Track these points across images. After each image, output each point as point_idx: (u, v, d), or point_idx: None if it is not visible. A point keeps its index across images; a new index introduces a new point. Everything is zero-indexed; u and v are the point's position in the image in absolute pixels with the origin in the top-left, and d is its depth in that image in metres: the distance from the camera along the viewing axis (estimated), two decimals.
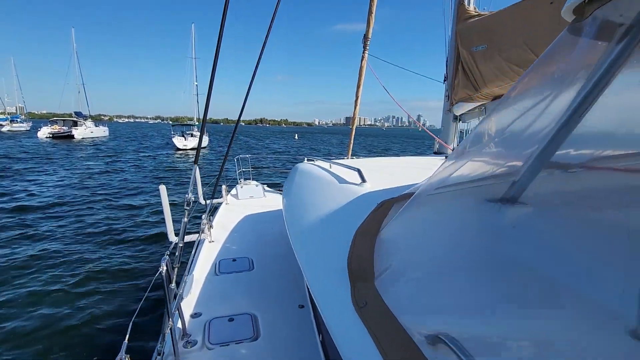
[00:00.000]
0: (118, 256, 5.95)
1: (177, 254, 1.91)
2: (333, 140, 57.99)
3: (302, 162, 3.25)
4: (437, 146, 4.23)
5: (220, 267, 2.81)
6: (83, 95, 45.34)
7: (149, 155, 24.33)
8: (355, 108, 7.54)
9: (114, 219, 8.05)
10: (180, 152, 28.45)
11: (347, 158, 8.23)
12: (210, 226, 3.35)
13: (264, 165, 16.26)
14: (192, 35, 39.23)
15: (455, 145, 4.02)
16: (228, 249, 3.23)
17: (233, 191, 5.60)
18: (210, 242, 3.36)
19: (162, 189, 3.00)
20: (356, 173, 1.92)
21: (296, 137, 63.31)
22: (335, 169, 2.41)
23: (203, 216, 3.27)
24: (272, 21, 1.95)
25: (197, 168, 4.57)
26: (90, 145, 31.46)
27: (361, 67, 6.78)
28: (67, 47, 44.47)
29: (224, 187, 4.80)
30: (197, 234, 3.27)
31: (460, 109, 3.59)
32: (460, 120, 3.94)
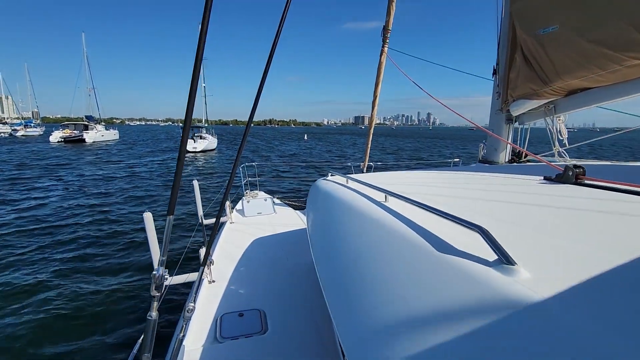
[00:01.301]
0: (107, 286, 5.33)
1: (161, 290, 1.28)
2: (344, 140, 57.05)
3: (323, 177, 2.59)
4: (484, 152, 3.48)
5: (223, 328, 2.15)
6: (94, 99, 45.60)
7: (158, 160, 23.98)
8: (373, 109, 6.81)
9: (100, 240, 7.46)
10: (190, 154, 28.11)
11: (365, 164, 7.54)
12: (211, 262, 2.69)
13: (274, 175, 15.59)
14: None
15: (507, 152, 3.28)
16: (233, 295, 2.56)
17: (239, 205, 4.94)
18: (210, 282, 2.70)
19: (147, 217, 2.37)
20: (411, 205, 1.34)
21: (306, 138, 62.68)
22: (371, 193, 1.77)
23: (201, 251, 2.60)
24: (281, 22, 1.48)
25: (197, 183, 3.93)
26: (99, 150, 31.37)
27: (380, 63, 6.06)
28: (77, 52, 44.78)
29: (227, 203, 4.15)
30: (195, 274, 2.62)
31: (520, 108, 2.85)
32: (516, 121, 3.19)
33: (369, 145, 7.29)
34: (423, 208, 1.18)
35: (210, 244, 2.46)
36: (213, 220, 4.00)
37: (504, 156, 3.29)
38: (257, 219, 4.42)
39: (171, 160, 23.23)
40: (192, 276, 2.74)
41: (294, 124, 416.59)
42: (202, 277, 2.65)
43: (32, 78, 61.89)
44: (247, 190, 5.93)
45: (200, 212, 3.82)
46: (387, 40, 5.92)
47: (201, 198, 3.92)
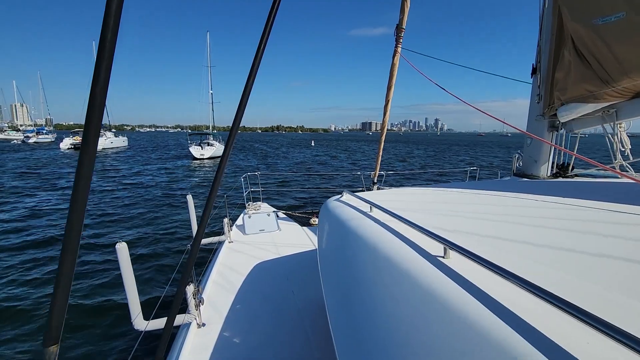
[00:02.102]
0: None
1: None
2: (352, 146, 56.39)
3: (336, 198, 2.15)
4: (519, 164, 2.97)
5: None
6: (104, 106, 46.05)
7: (166, 168, 23.82)
8: (385, 114, 6.35)
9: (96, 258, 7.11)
10: (198, 161, 27.97)
11: (376, 173, 7.06)
12: (200, 302, 2.23)
13: (279, 184, 15.03)
14: (207, 44, 39.04)
15: (549, 165, 2.77)
16: (227, 345, 2.10)
17: (239, 221, 4.50)
18: (199, 326, 2.23)
19: (122, 248, 1.93)
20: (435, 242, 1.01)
21: (313, 144, 62.42)
22: (394, 225, 1.34)
23: (188, 289, 2.13)
24: (269, 23, 1.13)
25: (191, 198, 3.51)
26: (108, 157, 31.45)
27: (393, 65, 5.60)
28: (89, 59, 45.25)
29: (225, 220, 3.72)
30: (181, 316, 2.16)
31: (571, 113, 2.36)
32: (561, 129, 2.69)
33: (380, 154, 6.81)
34: (466, 256, 0.83)
35: (200, 281, 2.00)
36: (209, 240, 3.56)
37: (546, 169, 2.79)
38: (259, 237, 3.98)
39: (175, 169, 23.04)
40: (177, 319, 2.27)
41: (301, 130, 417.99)
42: (189, 321, 2.19)
43: (44, 85, 63.06)
44: (249, 203, 5.51)
45: (195, 229, 3.40)
46: (401, 40, 5.46)
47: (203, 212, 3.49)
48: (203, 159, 28.93)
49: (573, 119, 2.47)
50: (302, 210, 7.28)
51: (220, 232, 3.84)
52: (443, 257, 0.94)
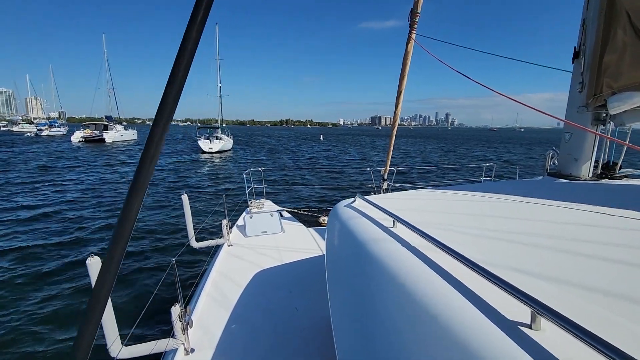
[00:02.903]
0: None
1: None
2: (361, 141, 55.52)
3: (347, 203, 1.84)
4: (554, 161, 2.58)
5: None
6: (113, 100, 46.30)
7: (176, 162, 23.77)
8: (397, 107, 5.97)
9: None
10: (206, 155, 27.92)
11: (386, 169, 6.70)
12: (188, 324, 1.92)
13: (286, 181, 14.58)
14: (216, 36, 38.73)
15: (591, 164, 2.40)
16: None
17: (240, 221, 4.21)
18: (187, 352, 1.93)
19: (93, 263, 1.64)
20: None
21: (321, 138, 61.99)
22: (411, 239, 1.10)
23: (173, 310, 1.81)
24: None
25: (186, 197, 3.21)
26: (118, 150, 31.65)
27: (406, 52, 5.21)
28: (99, 53, 45.53)
29: (224, 222, 3.43)
30: (165, 341, 1.86)
31: (624, 104, 1.97)
32: (609, 122, 2.31)
33: (392, 149, 6.43)
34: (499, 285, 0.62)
35: (192, 295, 1.76)
36: (206, 243, 3.26)
37: (588, 169, 2.41)
38: (261, 240, 3.68)
39: (180, 164, 22.95)
40: (160, 344, 1.92)
41: (310, 124, 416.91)
42: (175, 347, 1.89)
43: (55, 79, 63.77)
44: (252, 200, 5.21)
45: (191, 232, 3.11)
46: (416, 26, 5.07)
47: (205, 209, 3.22)
48: (212, 152, 28.89)
49: (626, 111, 2.09)
50: (308, 208, 6.97)
51: (220, 234, 3.55)
52: (530, 327, 0.59)
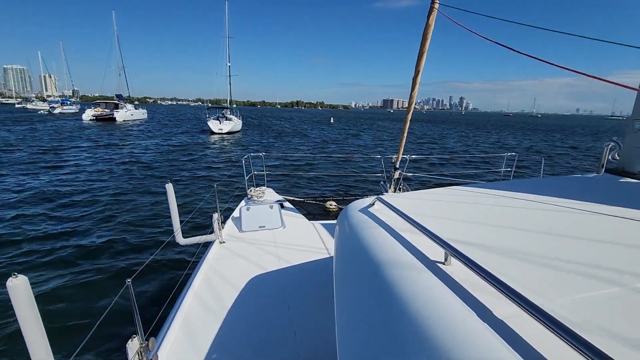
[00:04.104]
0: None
1: None
2: (374, 125, 53.66)
3: (362, 207, 1.48)
4: (614, 154, 2.10)
5: None
6: (123, 78, 46.03)
7: (179, 144, 23.53)
8: (413, 88, 5.42)
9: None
10: (216, 136, 27.58)
11: (398, 157, 6.21)
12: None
13: (290, 168, 13.93)
14: (226, 13, 37.67)
15: None
16: None
17: (236, 212, 3.83)
18: None
19: (16, 285, 1.28)
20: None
21: (332, 121, 61.08)
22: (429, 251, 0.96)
23: (130, 347, 1.44)
24: None
25: (171, 187, 2.83)
26: (129, 129, 31.57)
27: (427, 26, 4.63)
28: (110, 30, 44.96)
29: (215, 216, 3.04)
30: None
31: None
32: None
33: (405, 136, 5.93)
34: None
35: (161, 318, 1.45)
36: (195, 240, 2.90)
37: None
38: (258, 235, 3.31)
39: (187, 146, 22.70)
40: None
41: (320, 107, 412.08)
42: None
43: (66, 56, 63.65)
44: (251, 188, 4.83)
45: (177, 226, 2.75)
46: None
47: (201, 198, 2.85)
48: (222, 133, 28.56)
49: None
50: (313, 198, 6.57)
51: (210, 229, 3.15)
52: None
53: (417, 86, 5.35)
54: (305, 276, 2.51)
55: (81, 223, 6.73)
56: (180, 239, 2.80)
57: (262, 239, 3.21)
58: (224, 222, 3.40)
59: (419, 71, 5.16)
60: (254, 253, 2.92)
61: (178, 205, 2.84)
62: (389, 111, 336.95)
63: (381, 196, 1.35)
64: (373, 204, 1.35)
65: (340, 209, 6.67)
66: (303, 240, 3.20)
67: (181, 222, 2.83)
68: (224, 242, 3.09)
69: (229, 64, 36.85)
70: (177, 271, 4.51)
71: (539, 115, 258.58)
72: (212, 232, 3.00)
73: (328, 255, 2.83)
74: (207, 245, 3.03)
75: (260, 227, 3.46)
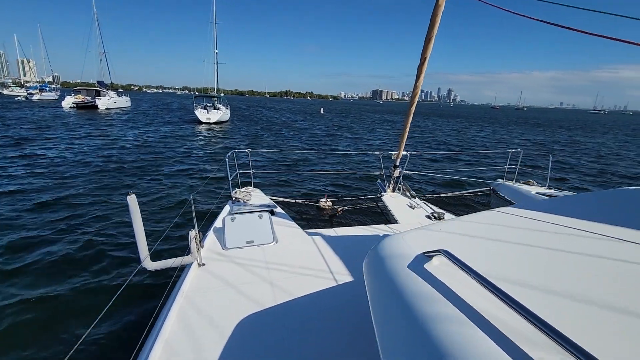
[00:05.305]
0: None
1: None
2: (366, 118, 52.04)
3: (400, 255, 1.10)
4: None
5: None
6: (105, 64, 44.04)
7: (168, 133, 22.60)
8: (418, 78, 4.99)
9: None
10: (204, 126, 26.62)
11: (399, 154, 5.76)
12: None
13: (280, 167, 12.99)
14: None
15: None
16: None
17: (218, 223, 3.25)
18: None
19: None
20: None
21: (321, 111, 60.35)
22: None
23: None
24: None
25: (134, 198, 2.28)
26: (112, 118, 30.24)
27: (437, 7, 4.19)
28: (90, 13, 42.57)
29: (192, 233, 2.48)
30: None
31: None
32: None
33: (407, 130, 5.49)
34: None
35: None
36: (168, 263, 2.36)
37: None
38: (246, 253, 2.76)
39: (173, 137, 21.84)
40: None
41: (310, 97, 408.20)
42: None
43: (45, 40, 60.59)
44: (236, 190, 4.30)
45: (144, 249, 2.19)
46: None
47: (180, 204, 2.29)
48: (210, 123, 27.61)
49: None
50: (306, 198, 6.07)
51: (185, 250, 2.57)
52: None
53: (422, 75, 4.90)
54: (308, 312, 2.03)
55: (43, 233, 5.49)
56: (148, 263, 2.24)
57: (250, 258, 2.67)
58: (202, 240, 2.82)
59: (425, 58, 4.71)
60: (241, 278, 2.38)
61: (150, 216, 2.35)
62: (378, 102, 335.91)
63: (445, 251, 0.93)
64: (434, 257, 0.93)
65: (335, 208, 6.23)
66: (301, 260, 2.68)
67: (153, 240, 2.33)
68: (203, 265, 2.54)
69: (216, 51, 35.60)
70: (148, 302, 3.67)
71: (525, 109, 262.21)
72: (188, 252, 2.45)
73: (333, 281, 2.37)
74: (184, 270, 2.49)
75: (247, 242, 2.89)
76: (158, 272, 2.41)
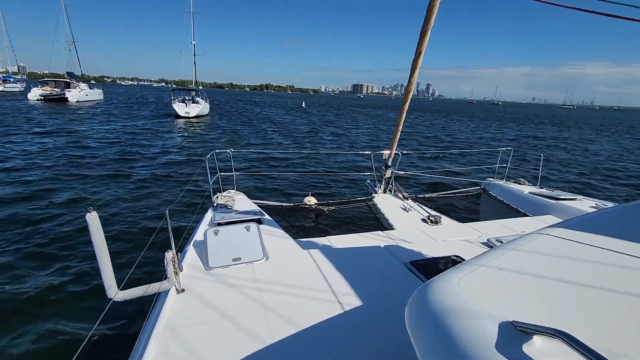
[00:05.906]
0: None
1: None
2: (351, 113, 50.84)
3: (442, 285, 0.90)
4: None
5: None
6: (75, 54, 41.61)
7: (144, 129, 21.55)
8: (413, 73, 4.74)
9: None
10: (182, 120, 25.53)
11: (391, 153, 5.50)
12: None
13: (264, 167, 12.14)
14: None
15: None
16: None
17: (199, 235, 2.86)
18: None
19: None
20: None
21: (303, 105, 59.88)
22: None
23: None
24: None
25: (95, 215, 1.90)
26: (82, 112, 28.60)
27: None
28: (56, 1, 39.89)
29: (169, 255, 2.10)
30: None
31: None
32: None
33: (400, 129, 5.25)
34: None
35: None
36: (139, 291, 1.97)
37: None
38: (233, 272, 2.39)
39: (139, 134, 20.89)
40: None
41: (291, 90, 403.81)
42: None
43: (7, 27, 56.61)
44: (217, 195, 3.92)
45: (110, 277, 1.81)
46: None
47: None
48: (189, 117, 26.55)
49: None
50: (291, 200, 5.75)
51: (161, 274, 2.16)
52: None
53: (417, 70, 4.66)
54: (311, 345, 1.72)
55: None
56: (116, 293, 1.85)
57: (238, 278, 2.31)
58: (181, 261, 2.42)
59: (420, 52, 4.46)
60: (228, 304, 2.03)
61: (119, 235, 1.93)
62: (359, 96, 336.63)
63: (565, 332, 0.64)
64: (530, 337, 0.64)
65: (321, 208, 5.93)
66: (297, 279, 2.34)
67: (125, 263, 1.94)
68: (183, 291, 2.15)
69: (193, 42, 34.41)
70: (118, 339, 3.15)
71: (500, 103, 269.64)
72: (165, 277, 2.06)
73: (338, 304, 2.05)
74: (159, 297, 2.12)
75: (234, 260, 2.50)
76: (128, 304, 2.02)
